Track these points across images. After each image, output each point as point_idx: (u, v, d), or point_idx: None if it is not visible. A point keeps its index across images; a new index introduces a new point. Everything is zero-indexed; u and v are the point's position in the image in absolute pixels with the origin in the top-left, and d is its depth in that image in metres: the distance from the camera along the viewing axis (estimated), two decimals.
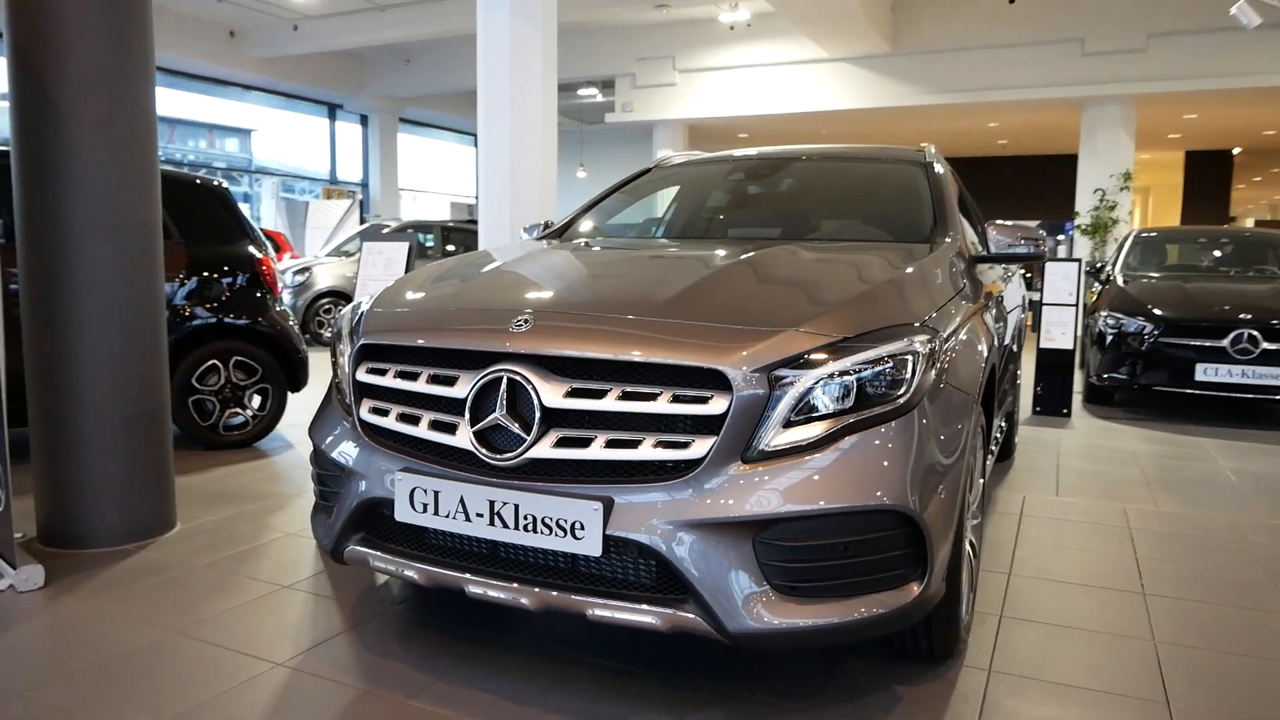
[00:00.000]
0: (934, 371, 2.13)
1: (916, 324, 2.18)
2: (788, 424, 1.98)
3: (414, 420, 2.24)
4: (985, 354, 2.57)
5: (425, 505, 2.16)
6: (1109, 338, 6.66)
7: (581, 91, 19.86)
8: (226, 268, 5.00)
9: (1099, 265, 8.28)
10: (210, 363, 4.86)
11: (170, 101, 16.50)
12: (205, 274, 4.90)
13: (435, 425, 2.20)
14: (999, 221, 3.15)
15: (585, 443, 2.01)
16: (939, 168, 3.53)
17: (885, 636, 2.35)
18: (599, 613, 2.01)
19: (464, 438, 2.12)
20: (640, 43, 16.15)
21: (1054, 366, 6.66)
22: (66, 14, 3.13)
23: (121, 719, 2.13)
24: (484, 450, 2.08)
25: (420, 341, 2.27)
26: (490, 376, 2.10)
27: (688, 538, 1.93)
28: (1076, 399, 7.28)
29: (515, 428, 2.06)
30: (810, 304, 2.20)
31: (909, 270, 2.55)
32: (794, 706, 2.24)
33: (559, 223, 3.80)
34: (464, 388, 2.14)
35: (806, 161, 3.85)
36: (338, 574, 3.08)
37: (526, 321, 2.16)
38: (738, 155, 4.03)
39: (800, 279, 2.51)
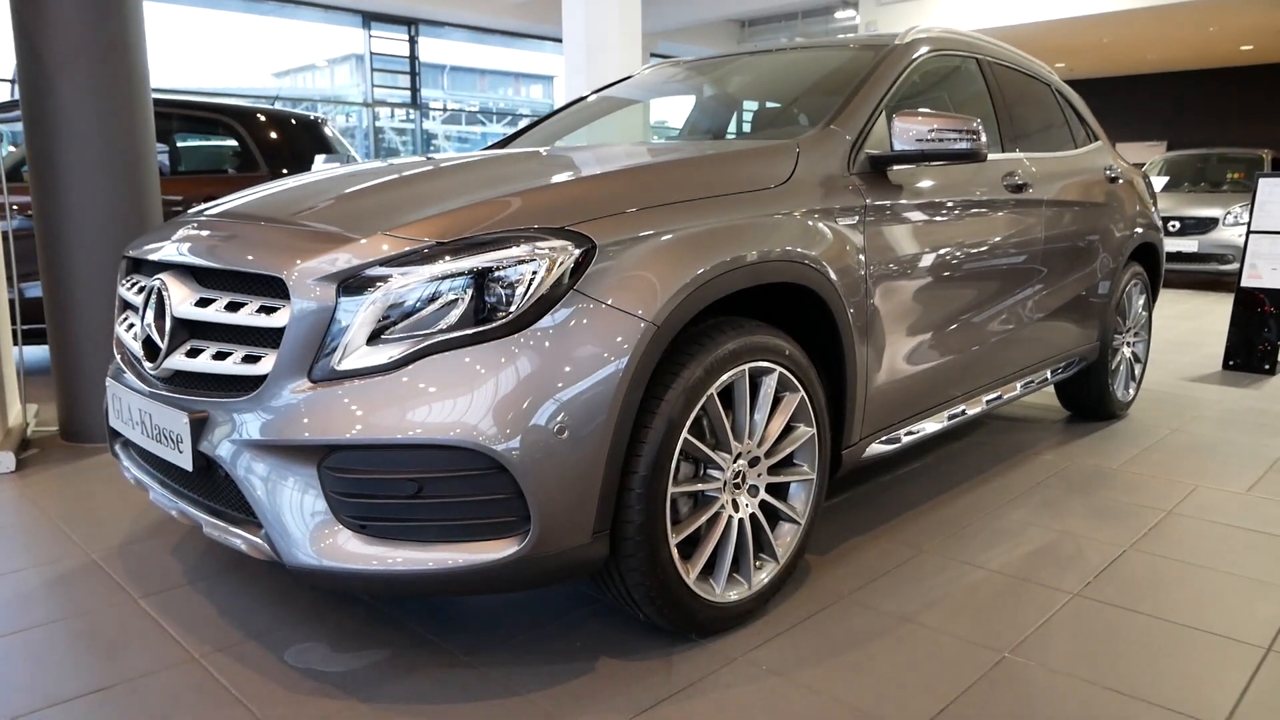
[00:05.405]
0: (576, 285, 1.75)
1: (562, 228, 1.79)
2: (372, 340, 1.73)
3: (127, 328, 2.26)
4: (743, 265, 2.02)
5: (117, 411, 2.19)
6: None
7: (839, 14, 18.73)
8: None
9: None
10: None
11: (466, 52, 18.46)
12: None
13: (134, 335, 2.20)
14: (909, 110, 2.49)
15: (198, 354, 1.92)
16: (903, 55, 2.87)
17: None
18: (210, 531, 1.93)
19: (138, 346, 2.10)
20: None
21: (1260, 311, 5.27)
22: None
23: None
24: (147, 359, 2.06)
25: (131, 252, 2.28)
26: (150, 283, 2.05)
27: (253, 459, 1.78)
28: None
29: (157, 337, 2.00)
30: (434, 206, 1.89)
31: (648, 163, 2.16)
32: (464, 660, 2.01)
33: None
34: (141, 296, 2.12)
35: (771, 55, 3.34)
36: None
37: (185, 228, 2.08)
38: (712, 57, 3.59)
39: (474, 180, 2.20)
